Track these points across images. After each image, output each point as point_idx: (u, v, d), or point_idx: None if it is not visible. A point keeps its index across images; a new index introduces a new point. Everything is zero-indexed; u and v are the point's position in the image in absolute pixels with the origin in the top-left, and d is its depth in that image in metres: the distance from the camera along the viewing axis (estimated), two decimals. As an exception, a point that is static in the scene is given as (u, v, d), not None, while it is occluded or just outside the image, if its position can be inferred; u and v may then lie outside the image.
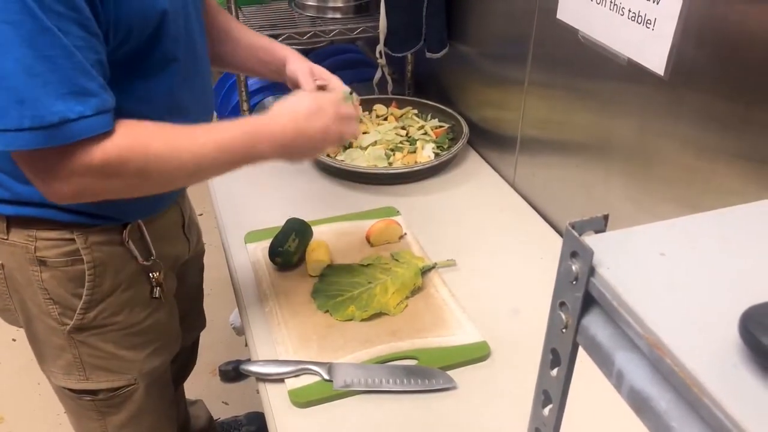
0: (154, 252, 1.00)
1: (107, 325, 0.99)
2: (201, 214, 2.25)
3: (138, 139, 0.78)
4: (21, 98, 0.67)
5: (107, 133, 0.75)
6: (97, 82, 0.73)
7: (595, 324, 0.41)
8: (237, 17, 1.66)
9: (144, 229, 0.98)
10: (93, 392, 1.04)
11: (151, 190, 0.84)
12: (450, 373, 0.95)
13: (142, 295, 1.02)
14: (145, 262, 0.99)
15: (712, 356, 0.34)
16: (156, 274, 1.02)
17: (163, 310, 1.07)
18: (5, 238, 0.91)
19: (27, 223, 0.90)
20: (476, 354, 0.99)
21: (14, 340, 2.08)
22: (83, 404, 1.06)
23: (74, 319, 0.96)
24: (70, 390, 1.05)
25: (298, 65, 1.07)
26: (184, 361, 1.42)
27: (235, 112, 1.83)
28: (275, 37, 1.65)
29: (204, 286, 1.43)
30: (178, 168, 0.81)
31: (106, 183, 0.78)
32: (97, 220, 0.92)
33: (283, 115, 0.89)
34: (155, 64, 0.85)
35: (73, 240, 0.92)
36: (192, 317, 1.33)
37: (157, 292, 1.03)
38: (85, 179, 0.75)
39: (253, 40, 1.12)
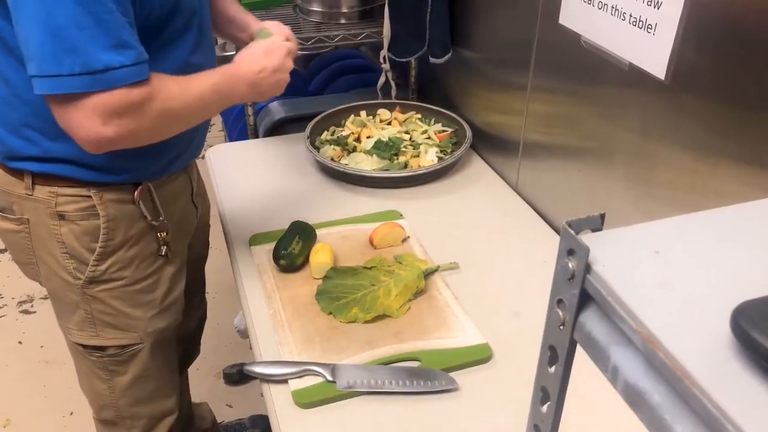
0: (162, 213, 1.09)
1: (116, 280, 1.08)
2: (206, 218, 2.28)
3: (160, 80, 0.91)
4: (73, 48, 0.80)
5: (144, 80, 0.87)
6: (135, 37, 0.86)
7: (591, 320, 0.42)
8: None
9: (153, 192, 1.07)
10: (102, 348, 1.13)
11: (170, 129, 0.98)
12: (452, 374, 0.96)
13: (149, 253, 1.10)
14: (153, 222, 1.08)
15: (703, 350, 0.35)
16: (163, 234, 1.10)
17: (168, 271, 1.14)
18: (30, 194, 1.01)
19: (50, 180, 1.00)
20: (478, 356, 0.99)
21: (20, 342, 2.09)
22: (93, 362, 1.15)
23: (87, 272, 1.05)
24: (83, 346, 1.14)
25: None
26: (188, 345, 1.46)
27: (240, 115, 1.84)
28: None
29: (209, 289, 1.44)
30: (186, 106, 0.95)
31: (139, 122, 0.90)
32: (110, 177, 1.01)
33: (246, 59, 1.05)
34: (173, 32, 0.98)
35: (89, 197, 1.01)
36: (193, 291, 1.38)
37: (163, 250, 1.11)
38: (123, 120, 0.87)
39: (230, 12, 1.21)
